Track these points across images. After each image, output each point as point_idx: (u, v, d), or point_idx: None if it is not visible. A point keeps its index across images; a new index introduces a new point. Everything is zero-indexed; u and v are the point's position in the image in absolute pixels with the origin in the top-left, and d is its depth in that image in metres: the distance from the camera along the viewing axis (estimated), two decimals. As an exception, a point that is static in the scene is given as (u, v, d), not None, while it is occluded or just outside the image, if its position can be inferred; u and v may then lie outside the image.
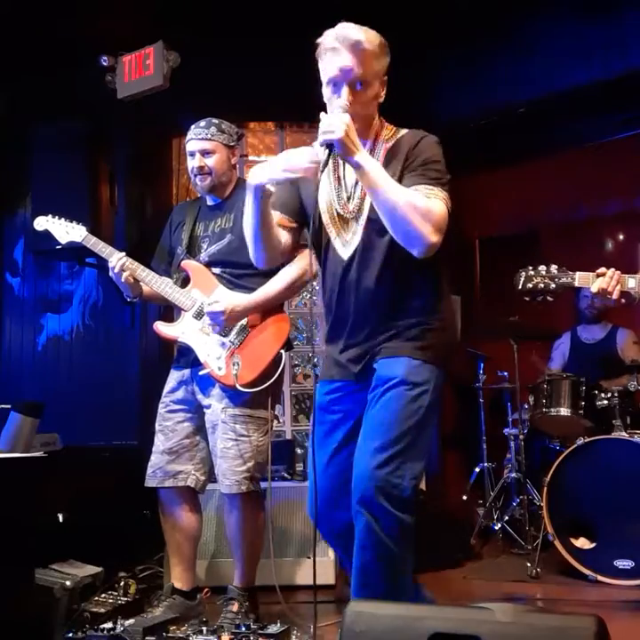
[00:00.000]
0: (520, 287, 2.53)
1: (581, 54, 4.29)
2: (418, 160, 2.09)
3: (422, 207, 1.97)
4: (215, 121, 2.98)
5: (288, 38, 4.50)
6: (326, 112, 2.05)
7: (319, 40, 2.09)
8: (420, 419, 2.05)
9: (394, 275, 2.11)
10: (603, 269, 2.42)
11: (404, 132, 2.19)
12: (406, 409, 2.04)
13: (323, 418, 2.22)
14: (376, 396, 2.08)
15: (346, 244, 2.16)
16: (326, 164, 1.96)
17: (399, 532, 1.97)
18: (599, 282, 2.41)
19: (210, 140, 2.94)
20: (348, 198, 2.17)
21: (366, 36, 2.05)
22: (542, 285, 2.50)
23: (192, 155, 2.96)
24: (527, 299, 2.55)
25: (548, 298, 2.52)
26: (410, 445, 2.02)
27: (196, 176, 2.98)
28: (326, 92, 2.10)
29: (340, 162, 2.17)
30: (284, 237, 2.24)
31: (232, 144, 2.99)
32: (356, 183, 2.13)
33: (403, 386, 2.05)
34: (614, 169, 5.44)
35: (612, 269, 2.41)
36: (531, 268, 2.54)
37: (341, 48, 2.03)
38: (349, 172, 2.15)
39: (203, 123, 2.97)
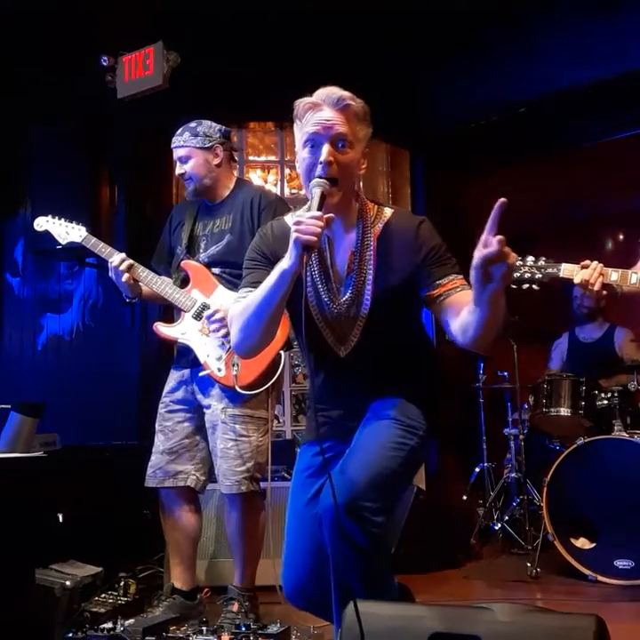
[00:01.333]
0: None
1: (581, 54, 4.29)
2: (431, 256, 1.95)
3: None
4: (191, 125, 2.99)
5: (288, 38, 4.51)
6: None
7: (295, 103, 1.94)
8: (404, 456, 1.91)
9: (391, 362, 2.02)
10: (587, 262, 2.50)
11: (387, 213, 2.04)
12: (392, 443, 1.91)
13: (306, 481, 2.05)
14: (364, 426, 1.98)
15: (342, 340, 2.00)
16: (321, 208, 1.83)
17: (373, 544, 1.82)
18: (582, 273, 2.49)
19: (183, 146, 2.97)
20: (342, 285, 2.00)
21: (350, 95, 1.93)
22: (528, 275, 2.61)
23: (176, 163, 3.02)
24: (514, 287, 2.62)
25: (534, 287, 2.62)
26: (390, 481, 1.87)
27: (184, 182, 3.02)
28: (301, 156, 1.94)
29: (327, 249, 2.01)
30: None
31: (208, 145, 2.97)
32: (346, 268, 1.99)
33: (392, 422, 1.94)
34: (614, 169, 5.44)
35: (596, 262, 2.48)
36: (519, 258, 2.59)
37: (323, 105, 1.91)
38: (336, 248, 2.02)
39: (179, 130, 3.00)
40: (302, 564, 2.01)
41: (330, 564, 1.86)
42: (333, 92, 1.92)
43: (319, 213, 1.80)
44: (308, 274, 1.99)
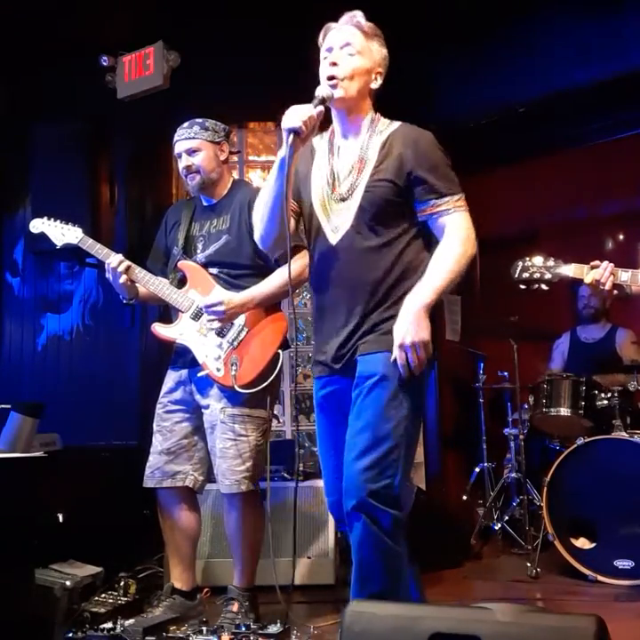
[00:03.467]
0: (516, 276, 2.65)
1: (581, 54, 4.29)
2: (424, 167, 2.13)
3: (463, 249, 2.08)
4: (199, 120, 2.99)
5: (288, 38, 4.51)
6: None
7: (323, 29, 2.23)
8: (404, 413, 2.04)
9: (380, 263, 2.12)
10: (597, 262, 2.51)
11: (396, 124, 2.23)
12: (389, 406, 2.02)
13: (322, 414, 2.24)
14: (358, 395, 2.08)
15: (335, 230, 2.16)
16: (318, 106, 2.07)
17: (394, 528, 2.00)
18: (593, 273, 2.50)
19: (193, 138, 2.95)
20: (339, 181, 2.19)
21: (365, 18, 2.20)
22: (537, 275, 2.62)
23: (179, 156, 2.99)
24: (523, 287, 2.66)
25: (543, 287, 2.63)
26: (397, 443, 2.02)
27: (185, 176, 3.00)
28: (321, 67, 2.18)
29: (337, 148, 2.24)
30: (291, 222, 2.24)
31: (218, 140, 2.99)
32: (350, 166, 2.18)
33: (383, 382, 2.04)
34: (614, 169, 5.44)
35: (606, 262, 2.50)
36: (528, 258, 2.65)
37: (339, 25, 2.20)
38: (344, 151, 2.22)
39: (186, 124, 2.99)
40: (338, 481, 2.12)
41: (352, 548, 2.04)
42: (350, 13, 2.21)
43: (309, 105, 2.05)
44: (318, 171, 2.24)
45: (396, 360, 2.03)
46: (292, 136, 2.02)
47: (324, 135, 2.28)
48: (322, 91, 2.10)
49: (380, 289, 2.12)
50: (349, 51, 2.15)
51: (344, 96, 2.13)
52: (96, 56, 4.26)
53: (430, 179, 2.12)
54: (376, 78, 2.21)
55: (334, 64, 2.13)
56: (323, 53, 2.19)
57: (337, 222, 2.16)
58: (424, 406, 2.24)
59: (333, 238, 2.16)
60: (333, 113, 2.22)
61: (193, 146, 2.95)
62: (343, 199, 2.16)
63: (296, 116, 2.02)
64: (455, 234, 2.10)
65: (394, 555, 2.02)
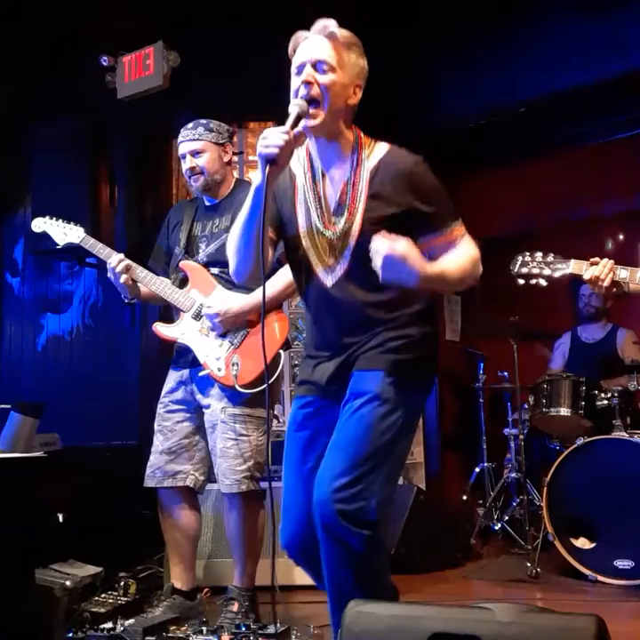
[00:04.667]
0: (515, 270, 2.67)
1: (581, 54, 4.29)
2: (425, 200, 1.98)
3: (473, 267, 2.00)
4: (203, 121, 2.99)
5: (288, 38, 4.51)
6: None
7: (292, 38, 2.02)
8: (391, 437, 1.92)
9: (382, 294, 1.98)
10: (596, 259, 2.52)
11: (382, 148, 2.04)
12: (376, 428, 1.90)
13: (297, 432, 2.10)
14: (347, 412, 1.96)
15: (329, 271, 2.01)
16: (295, 126, 1.88)
17: (368, 548, 1.87)
18: (592, 270, 2.50)
19: (198, 139, 2.95)
20: (329, 218, 2.02)
21: (339, 27, 1.98)
22: (536, 270, 2.63)
23: (183, 157, 2.98)
24: (521, 281, 2.67)
25: (541, 282, 2.64)
26: (378, 465, 1.89)
27: (189, 177, 2.99)
28: (292, 84, 1.98)
29: (319, 175, 2.05)
30: (269, 253, 2.07)
31: (222, 141, 2.99)
32: (339, 199, 2.01)
33: (374, 402, 1.92)
34: (614, 169, 5.44)
35: (606, 259, 2.50)
36: (528, 253, 2.67)
37: (311, 36, 1.99)
38: (329, 180, 2.04)
39: (190, 125, 2.98)
40: (296, 516, 2.06)
41: (323, 564, 1.91)
42: (322, 23, 1.98)
43: (286, 128, 1.85)
44: (303, 202, 2.04)
45: (390, 381, 1.94)
46: (268, 165, 1.85)
47: (300, 153, 2.08)
48: (295, 107, 1.90)
49: (381, 327, 2.01)
50: (324, 67, 1.93)
51: (321, 121, 1.93)
52: (96, 56, 4.27)
53: (432, 211, 1.98)
54: (355, 93, 2.00)
55: (307, 83, 1.92)
56: (293, 68, 1.98)
57: (331, 263, 2.01)
58: (417, 426, 2.17)
59: (328, 280, 2.02)
60: (310, 139, 2.02)
61: (197, 147, 2.95)
62: (337, 239, 1.99)
63: (271, 141, 1.84)
64: (467, 254, 1.99)
65: (371, 575, 1.91)
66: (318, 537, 1.91)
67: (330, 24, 1.97)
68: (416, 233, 1.95)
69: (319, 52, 1.95)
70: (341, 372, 2.03)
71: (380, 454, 1.90)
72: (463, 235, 2.02)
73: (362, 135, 2.06)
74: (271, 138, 1.84)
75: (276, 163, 1.86)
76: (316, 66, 1.94)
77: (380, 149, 2.04)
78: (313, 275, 2.04)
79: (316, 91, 1.93)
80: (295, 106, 1.91)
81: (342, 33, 1.98)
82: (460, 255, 1.99)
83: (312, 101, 1.92)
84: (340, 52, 1.96)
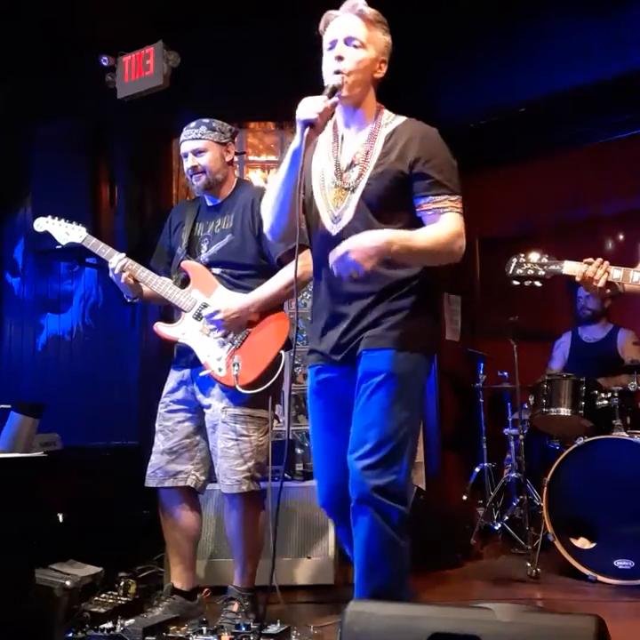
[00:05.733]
0: (510, 272, 2.67)
1: (581, 54, 4.28)
2: (425, 164, 2.12)
3: (447, 240, 2.07)
4: (205, 120, 2.99)
5: (288, 38, 4.51)
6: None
7: (323, 16, 2.20)
8: (409, 413, 2.09)
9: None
10: (590, 259, 2.53)
11: (401, 119, 2.23)
12: (395, 406, 2.06)
13: (316, 398, 2.27)
14: (364, 392, 2.10)
15: (336, 219, 2.17)
16: (332, 96, 2.07)
17: (400, 523, 2.04)
18: (585, 270, 2.51)
19: (200, 139, 2.95)
20: (342, 171, 2.19)
21: (366, 5, 2.17)
22: (531, 272, 2.64)
23: (185, 156, 2.98)
24: (516, 283, 2.68)
25: (537, 283, 2.64)
26: (402, 440, 2.06)
27: (191, 176, 3.00)
28: (324, 59, 2.18)
29: (340, 138, 2.24)
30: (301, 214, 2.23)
31: (224, 141, 2.99)
32: (354, 157, 2.18)
33: (389, 381, 2.07)
34: (614, 169, 5.44)
35: (600, 259, 2.51)
36: (522, 255, 2.67)
37: (341, 14, 2.17)
38: (348, 142, 2.22)
39: (193, 124, 2.99)
40: (327, 478, 2.24)
41: (355, 538, 2.09)
42: (351, 2, 2.18)
43: (323, 97, 2.05)
44: (320, 160, 2.25)
45: (401, 357, 2.08)
46: (307, 128, 2.02)
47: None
48: (331, 80, 2.10)
49: (382, 280, 2.12)
50: (354, 43, 2.13)
51: (350, 91, 2.13)
52: (96, 56, 4.26)
53: (432, 175, 2.11)
54: (380, 68, 2.20)
55: (340, 58, 2.11)
56: (325, 44, 2.17)
57: (337, 213, 2.17)
58: (424, 403, 2.30)
59: (334, 229, 2.17)
60: (338, 105, 2.18)
61: (199, 146, 2.95)
62: (345, 189, 2.16)
63: (310, 107, 2.02)
64: (446, 227, 2.09)
65: (400, 548, 2.07)
66: (352, 511, 2.08)
67: (359, 2, 2.16)
68: (414, 194, 2.13)
69: (350, 29, 2.14)
70: (345, 342, 2.16)
71: (403, 430, 2.08)
72: (452, 209, 2.10)
73: (383, 108, 2.26)
74: (311, 104, 2.02)
75: (313, 127, 2.03)
76: (347, 41, 2.13)
77: (399, 119, 2.23)
78: (321, 224, 2.20)
79: (345, 65, 2.12)
80: (331, 79, 2.10)
81: (370, 10, 2.17)
82: (438, 228, 2.08)
83: (342, 73, 2.11)
84: (369, 29, 2.16)
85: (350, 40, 2.13)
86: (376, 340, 2.11)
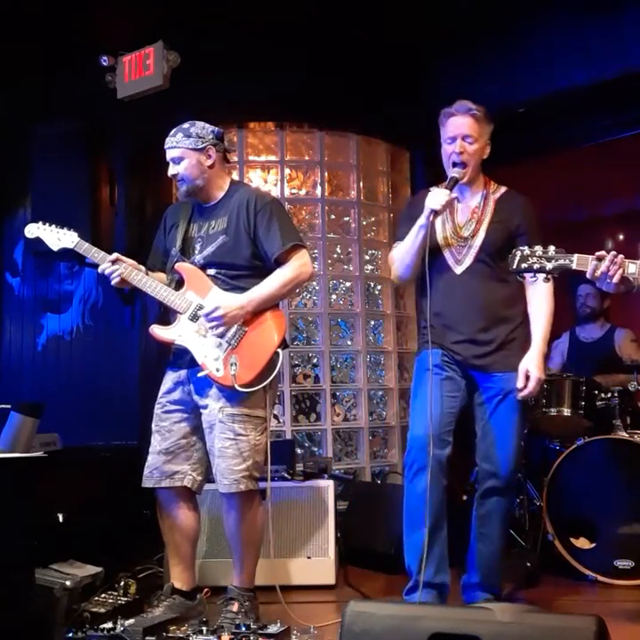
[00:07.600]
0: (514, 267, 2.51)
1: (581, 54, 4.28)
2: (527, 225, 2.91)
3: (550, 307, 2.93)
4: (185, 126, 2.96)
5: (288, 38, 4.51)
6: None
7: (441, 112, 2.91)
8: (524, 426, 2.96)
9: (497, 291, 2.86)
10: (602, 253, 2.39)
11: (503, 188, 3.00)
12: (520, 421, 2.89)
13: (437, 376, 2.85)
14: (498, 403, 2.86)
15: (459, 263, 2.87)
16: (453, 187, 2.84)
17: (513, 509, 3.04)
18: (599, 265, 2.37)
19: (175, 147, 2.94)
20: (461, 227, 2.91)
21: (476, 105, 2.87)
22: (537, 266, 2.46)
23: (169, 164, 2.99)
24: (520, 278, 2.59)
25: (542, 277, 2.49)
26: (520, 448, 2.93)
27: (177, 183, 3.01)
28: (444, 149, 2.89)
29: (456, 205, 2.93)
30: None
31: (201, 146, 2.94)
32: (470, 216, 2.92)
33: (516, 400, 2.82)
34: (614, 169, 5.44)
35: (613, 253, 2.37)
36: (526, 247, 2.51)
37: (457, 114, 2.86)
38: (461, 210, 2.94)
39: (173, 131, 2.98)
40: (420, 429, 2.85)
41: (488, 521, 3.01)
42: (466, 103, 2.88)
43: (447, 191, 2.78)
44: (442, 224, 2.92)
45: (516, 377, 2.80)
46: (432, 214, 2.75)
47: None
48: (452, 173, 2.83)
49: (498, 309, 2.86)
50: (469, 140, 2.84)
51: (468, 177, 2.88)
52: (96, 56, 4.26)
53: (529, 232, 2.88)
54: (486, 151, 2.92)
55: (460, 153, 2.83)
56: (445, 138, 2.87)
57: (459, 257, 2.88)
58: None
59: (457, 269, 2.88)
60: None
61: (175, 155, 2.95)
62: (466, 239, 2.88)
63: (437, 200, 2.74)
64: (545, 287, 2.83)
65: (508, 527, 3.09)
66: (485, 504, 3.00)
67: (470, 105, 2.86)
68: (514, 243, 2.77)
69: (465, 128, 2.85)
70: (479, 352, 2.85)
71: (521, 440, 2.94)
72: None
73: (488, 178, 3.00)
74: (438, 197, 2.76)
75: (437, 214, 2.77)
76: (464, 138, 2.85)
77: (502, 189, 3.00)
78: (445, 266, 2.89)
79: (465, 157, 2.85)
80: (454, 173, 2.83)
81: (479, 110, 2.87)
82: (544, 298, 2.91)
83: (462, 164, 2.85)
84: (478, 126, 2.87)
85: (466, 137, 2.84)
86: (505, 364, 2.84)
